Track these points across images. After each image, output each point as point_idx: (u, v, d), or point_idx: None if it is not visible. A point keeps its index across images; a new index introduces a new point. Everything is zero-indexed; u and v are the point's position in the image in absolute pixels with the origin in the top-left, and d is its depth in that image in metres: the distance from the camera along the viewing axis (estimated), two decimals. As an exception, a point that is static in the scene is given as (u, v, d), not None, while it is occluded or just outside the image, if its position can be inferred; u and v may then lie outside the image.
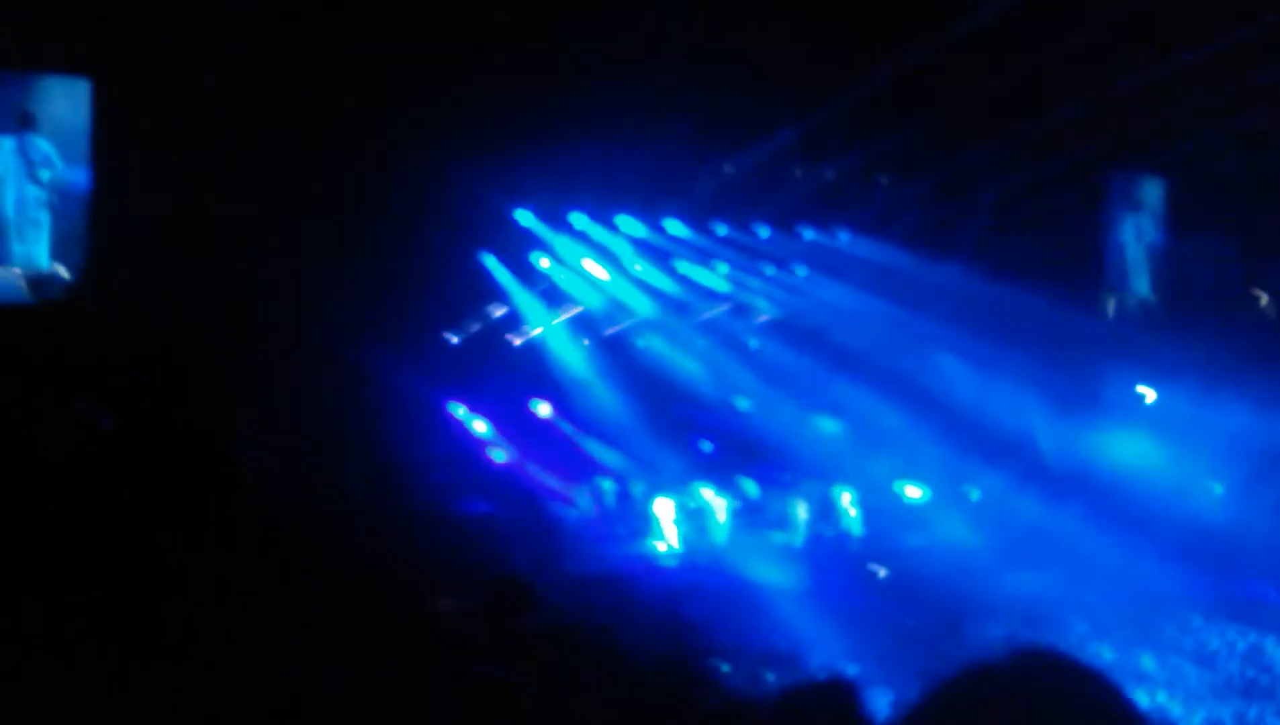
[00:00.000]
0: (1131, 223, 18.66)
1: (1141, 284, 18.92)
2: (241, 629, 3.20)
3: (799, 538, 18.40)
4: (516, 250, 17.81)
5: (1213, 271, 18.33)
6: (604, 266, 18.92)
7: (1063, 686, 1.44)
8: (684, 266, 19.44)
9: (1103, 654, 13.85)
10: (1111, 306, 19.09)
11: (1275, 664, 13.44)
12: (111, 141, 12.17)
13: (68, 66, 12.25)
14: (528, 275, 18.08)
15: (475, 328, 17.73)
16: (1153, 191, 18.52)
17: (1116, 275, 18.99)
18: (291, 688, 3.26)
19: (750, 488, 19.27)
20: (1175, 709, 12.69)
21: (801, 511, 19.00)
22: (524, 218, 17.40)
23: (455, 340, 17.59)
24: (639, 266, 19.15)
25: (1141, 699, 12.50)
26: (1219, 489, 18.17)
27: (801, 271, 20.03)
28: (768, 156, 17.46)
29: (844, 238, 19.57)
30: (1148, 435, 18.08)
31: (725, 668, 11.67)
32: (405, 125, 13.59)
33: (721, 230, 18.94)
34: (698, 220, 18.75)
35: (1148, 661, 14.10)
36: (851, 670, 12.25)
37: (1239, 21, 13.79)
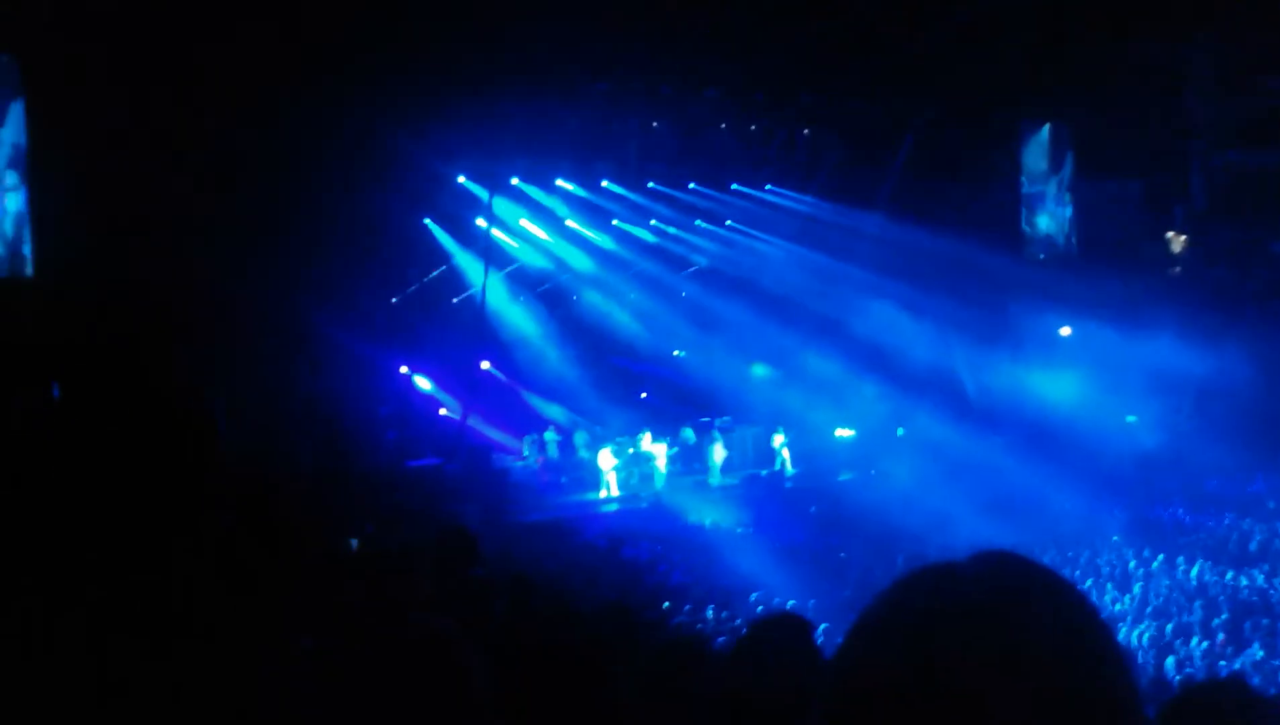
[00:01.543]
0: (1042, 167, 19.30)
1: (1054, 226, 19.59)
2: (216, 601, 3.25)
3: (735, 479, 18.92)
4: (456, 212, 18.13)
5: (1122, 213, 18.90)
6: (541, 226, 19.31)
7: (1029, 584, 1.35)
8: (618, 222, 19.85)
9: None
10: (1027, 248, 19.75)
11: (1188, 583, 14.00)
12: (46, 142, 12.27)
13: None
14: (468, 236, 18.45)
15: (415, 288, 17.94)
16: (1061, 136, 19.13)
17: (1030, 218, 19.65)
18: (264, 655, 3.28)
19: (688, 433, 19.80)
20: None
21: (735, 454, 19.56)
22: (463, 180, 17.74)
23: (396, 301, 17.80)
24: (575, 223, 19.53)
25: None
26: (1132, 419, 18.89)
27: (731, 224, 20.52)
28: (696, 115, 17.91)
29: (770, 191, 20.09)
30: (1065, 371, 18.70)
31: (666, 605, 12.09)
32: (344, 93, 13.74)
33: (652, 186, 19.37)
34: (630, 178, 19.15)
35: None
36: (789, 604, 12.72)
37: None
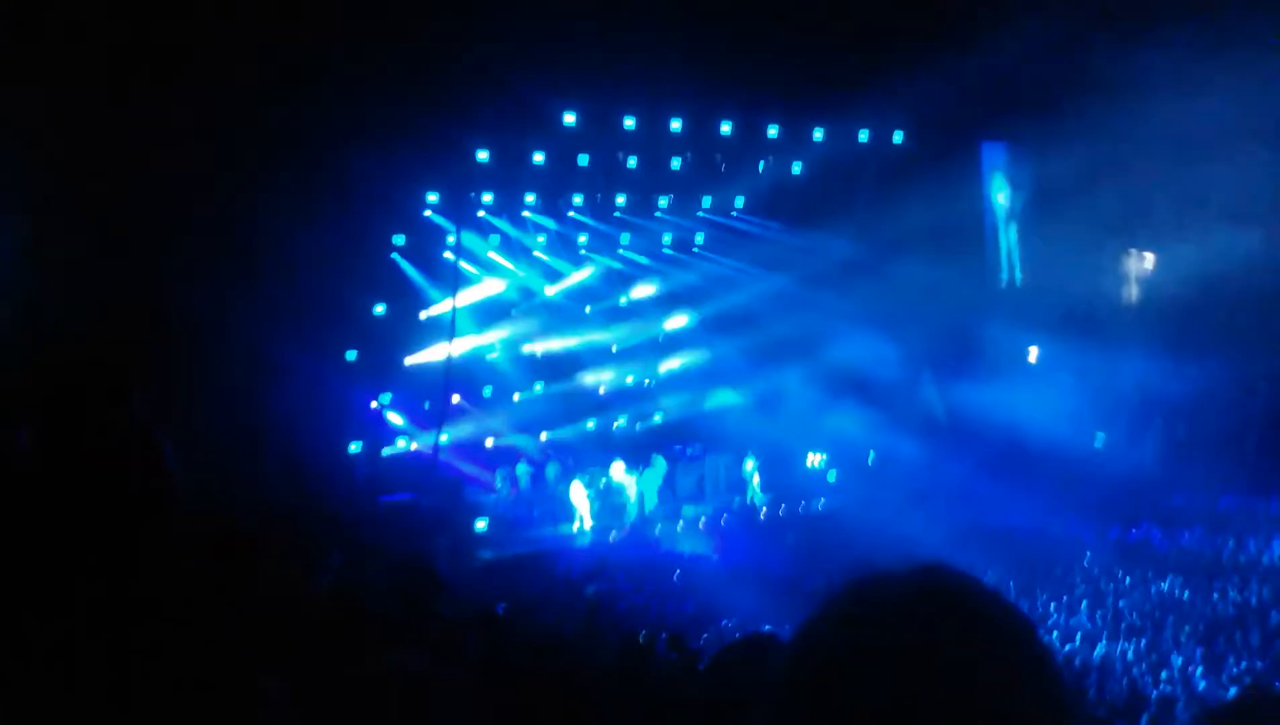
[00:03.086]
0: (1004, 187, 19.46)
1: (1016, 247, 19.74)
2: (180, 640, 3.15)
3: (708, 509, 18.89)
4: (425, 241, 18.12)
5: (1087, 233, 18.99)
6: (506, 256, 19.32)
7: (958, 592, 1.46)
8: (586, 252, 19.91)
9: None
10: (992, 271, 19.87)
11: (1162, 601, 14.06)
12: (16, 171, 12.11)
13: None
14: (435, 266, 18.45)
15: (383, 315, 17.84)
16: (1021, 156, 19.31)
17: (994, 239, 19.81)
18: (233, 697, 3.20)
19: (659, 463, 19.79)
20: (1069, 648, 13.19)
21: (707, 482, 19.56)
22: (431, 210, 17.74)
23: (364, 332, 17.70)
24: (542, 254, 19.57)
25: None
26: (1101, 438, 19.00)
27: (699, 250, 20.59)
28: (661, 141, 17.97)
29: (738, 216, 20.19)
30: (1034, 391, 18.81)
31: (641, 636, 12.03)
32: (311, 122, 13.71)
33: (618, 214, 19.44)
34: (596, 206, 19.21)
35: (1042, 603, 14.67)
36: (764, 630, 12.69)
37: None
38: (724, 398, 20.69)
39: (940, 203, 18.49)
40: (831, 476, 20.01)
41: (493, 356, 19.66)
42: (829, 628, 1.44)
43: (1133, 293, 19.82)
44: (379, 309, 17.42)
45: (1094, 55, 15.86)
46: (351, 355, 16.95)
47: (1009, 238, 19.89)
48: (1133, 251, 19.99)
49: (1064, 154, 17.71)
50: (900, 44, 16.17)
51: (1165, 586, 13.90)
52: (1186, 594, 13.41)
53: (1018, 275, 19.95)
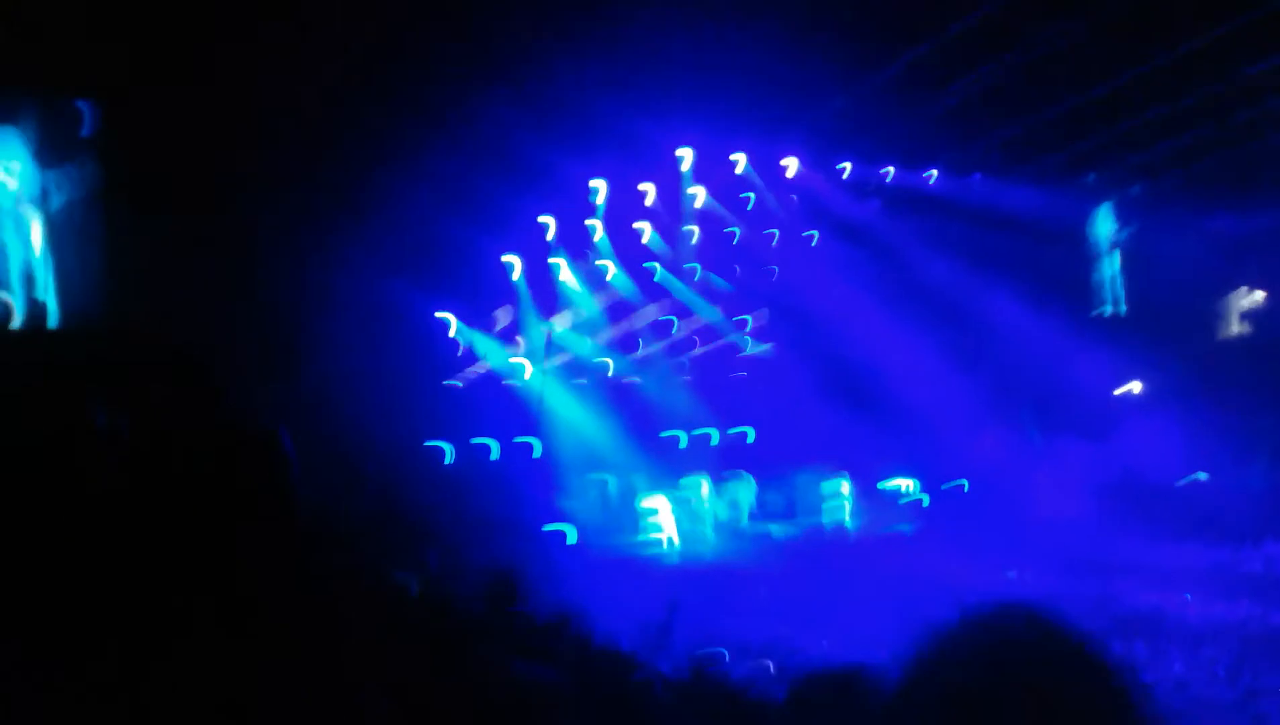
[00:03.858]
0: (1112, 230, 19.17)
1: (1119, 283, 19.39)
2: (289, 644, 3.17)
3: (795, 529, 18.77)
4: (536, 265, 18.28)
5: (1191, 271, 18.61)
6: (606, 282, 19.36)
7: (1039, 637, 1.53)
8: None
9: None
10: (1095, 305, 19.54)
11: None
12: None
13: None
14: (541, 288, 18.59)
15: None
16: (1131, 195, 18.98)
17: (1097, 275, 19.47)
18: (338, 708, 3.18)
19: (748, 480, 19.66)
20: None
21: (796, 503, 19.42)
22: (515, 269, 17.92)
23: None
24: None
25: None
26: (1203, 477, 18.59)
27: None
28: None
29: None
30: (1135, 425, 18.49)
31: (726, 655, 11.97)
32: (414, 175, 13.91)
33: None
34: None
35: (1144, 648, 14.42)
36: (848, 656, 12.53)
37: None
38: (815, 420, 20.49)
39: (1039, 231, 18.25)
40: (925, 502, 19.79)
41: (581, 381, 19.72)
42: (952, 667, 1.52)
43: (1240, 327, 19.36)
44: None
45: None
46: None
47: (1112, 267, 19.52)
48: (1243, 287, 19.54)
49: (1169, 182, 17.44)
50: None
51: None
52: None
53: (1121, 307, 19.57)
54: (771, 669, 11.52)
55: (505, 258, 17.86)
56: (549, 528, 17.25)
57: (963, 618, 1.60)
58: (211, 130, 11.99)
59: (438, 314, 17.55)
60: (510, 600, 8.25)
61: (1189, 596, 15.51)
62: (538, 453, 18.25)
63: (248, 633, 3.21)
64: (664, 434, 19.89)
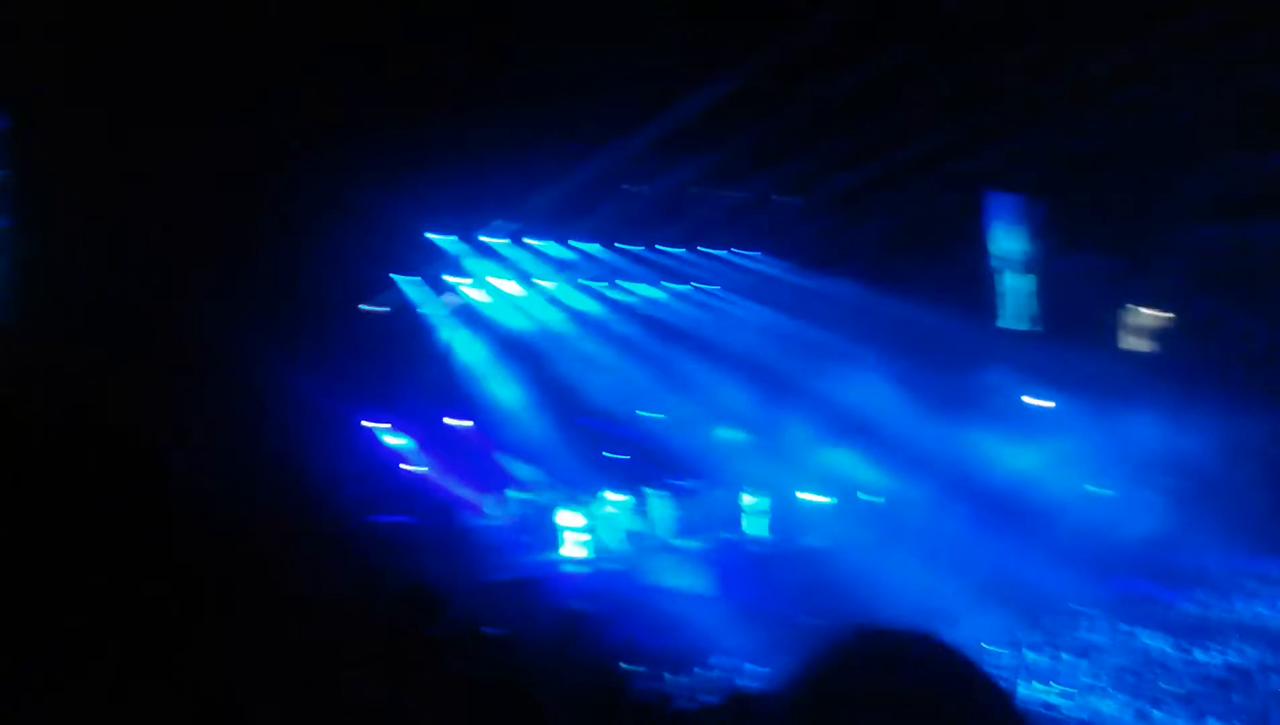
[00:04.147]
0: (1010, 240, 19.55)
1: (1022, 298, 19.80)
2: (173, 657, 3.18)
3: (706, 543, 18.89)
4: (431, 272, 18.29)
5: (1090, 287, 19.07)
6: (519, 284, 19.43)
7: (949, 655, 1.57)
8: (595, 284, 20.02)
9: (994, 650, 14.43)
10: (997, 319, 19.92)
11: (1161, 658, 14.10)
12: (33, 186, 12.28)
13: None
14: (435, 291, 18.61)
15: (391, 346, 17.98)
16: (1032, 210, 19.39)
17: (999, 289, 19.87)
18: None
19: (658, 496, 19.79)
20: (1063, 703, 13.21)
21: (699, 516, 19.55)
22: (439, 240, 17.91)
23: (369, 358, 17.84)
24: (553, 284, 19.68)
25: (1032, 692, 13.15)
26: (1104, 493, 19.00)
27: (707, 288, 20.70)
28: (674, 182, 18.08)
29: (746, 256, 20.32)
30: (1036, 443, 18.84)
31: (631, 669, 12.04)
32: (318, 151, 13.86)
33: (630, 249, 19.57)
34: (607, 241, 19.34)
35: (1036, 656, 14.69)
36: (753, 669, 12.74)
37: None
38: (727, 434, 20.70)
39: (948, 249, 18.57)
40: (832, 517, 20.00)
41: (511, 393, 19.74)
42: (835, 676, 1.58)
43: (1142, 346, 19.86)
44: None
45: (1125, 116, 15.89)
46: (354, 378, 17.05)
47: (1021, 285, 19.95)
48: (1144, 308, 20.03)
49: (1083, 205, 17.84)
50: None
51: (1155, 643, 13.94)
52: (1175, 652, 13.45)
53: (1026, 323, 19.99)
54: (669, 682, 11.68)
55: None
56: (467, 541, 17.26)
57: (846, 637, 1.66)
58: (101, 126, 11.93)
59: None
60: (425, 620, 8.24)
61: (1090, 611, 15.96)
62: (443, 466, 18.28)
63: (111, 642, 3.18)
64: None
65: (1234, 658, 12.86)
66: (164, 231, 12.87)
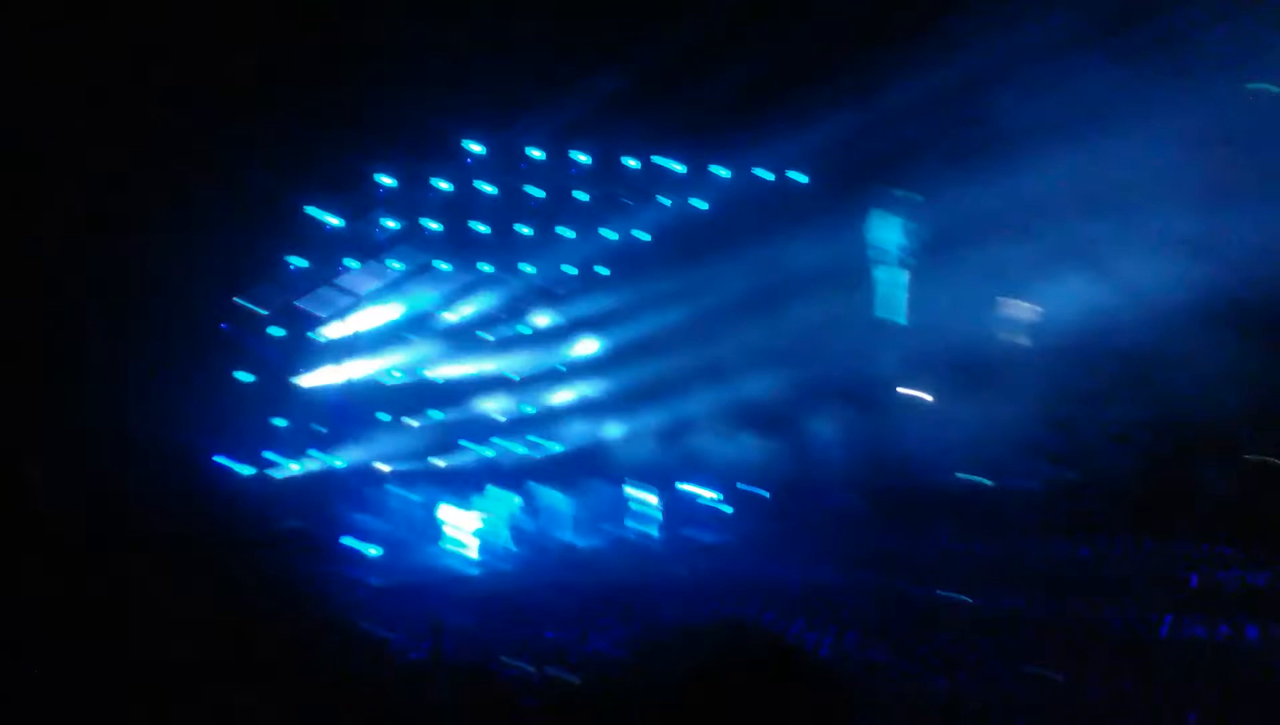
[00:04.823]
0: (895, 234, 19.90)
1: (901, 293, 20.16)
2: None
3: (590, 538, 19.04)
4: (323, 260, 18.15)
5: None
6: (405, 279, 19.35)
7: (737, 643, 1.76)
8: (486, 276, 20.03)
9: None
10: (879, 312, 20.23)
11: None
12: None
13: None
14: (332, 286, 18.50)
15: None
16: (908, 208, 19.76)
17: (880, 283, 20.23)
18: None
19: (549, 492, 19.88)
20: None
21: (591, 512, 19.66)
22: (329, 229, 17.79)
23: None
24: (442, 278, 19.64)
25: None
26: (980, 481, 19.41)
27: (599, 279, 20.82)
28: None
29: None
30: (918, 430, 19.20)
31: (507, 662, 12.15)
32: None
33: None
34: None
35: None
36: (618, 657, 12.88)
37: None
38: (618, 428, 20.82)
39: (833, 242, 18.83)
40: (724, 509, 20.24)
41: (396, 376, 19.63)
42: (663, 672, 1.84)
43: (1017, 341, 20.24)
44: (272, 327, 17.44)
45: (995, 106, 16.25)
46: (244, 376, 16.92)
47: (898, 280, 20.26)
48: (1021, 302, 20.38)
49: (959, 201, 18.16)
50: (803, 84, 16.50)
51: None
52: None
53: (902, 317, 20.29)
54: (534, 673, 11.79)
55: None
56: (346, 542, 17.20)
57: (677, 628, 1.86)
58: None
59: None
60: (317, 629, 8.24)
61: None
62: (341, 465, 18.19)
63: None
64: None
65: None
66: (31, 214, 12.63)
